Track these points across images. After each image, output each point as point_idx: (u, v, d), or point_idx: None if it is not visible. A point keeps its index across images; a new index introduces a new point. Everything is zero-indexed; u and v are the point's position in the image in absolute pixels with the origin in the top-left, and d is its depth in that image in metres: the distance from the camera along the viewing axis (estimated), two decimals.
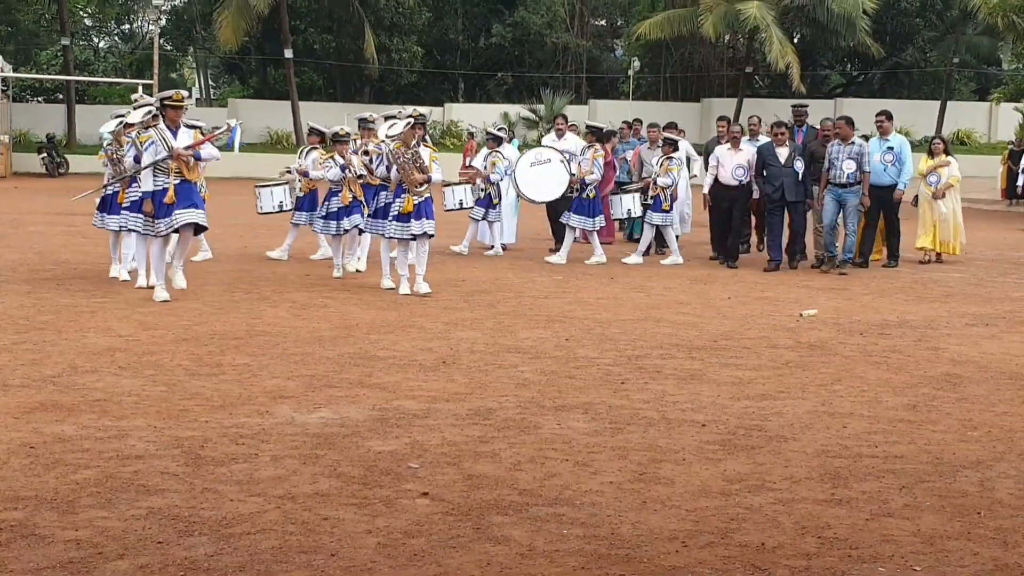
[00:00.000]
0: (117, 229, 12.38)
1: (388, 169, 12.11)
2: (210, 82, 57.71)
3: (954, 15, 44.54)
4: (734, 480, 5.87)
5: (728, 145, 15.35)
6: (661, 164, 15.34)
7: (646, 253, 15.51)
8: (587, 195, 15.03)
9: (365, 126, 14.15)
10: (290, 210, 14.73)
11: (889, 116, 15.48)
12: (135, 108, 12.66)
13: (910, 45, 47.24)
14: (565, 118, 17.63)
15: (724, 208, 15.27)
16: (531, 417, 7.03)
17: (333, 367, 8.37)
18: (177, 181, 11.18)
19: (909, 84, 48.66)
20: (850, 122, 14.86)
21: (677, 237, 16.47)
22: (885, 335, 10.26)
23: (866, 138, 15.53)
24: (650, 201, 15.26)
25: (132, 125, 12.02)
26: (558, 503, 5.45)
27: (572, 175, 15.15)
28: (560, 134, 16.45)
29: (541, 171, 15.27)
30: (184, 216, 11.17)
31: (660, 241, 15.85)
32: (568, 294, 12.39)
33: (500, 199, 15.92)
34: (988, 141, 42.51)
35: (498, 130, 16.59)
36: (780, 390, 7.96)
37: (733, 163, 15.06)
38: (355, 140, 13.99)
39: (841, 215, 14.65)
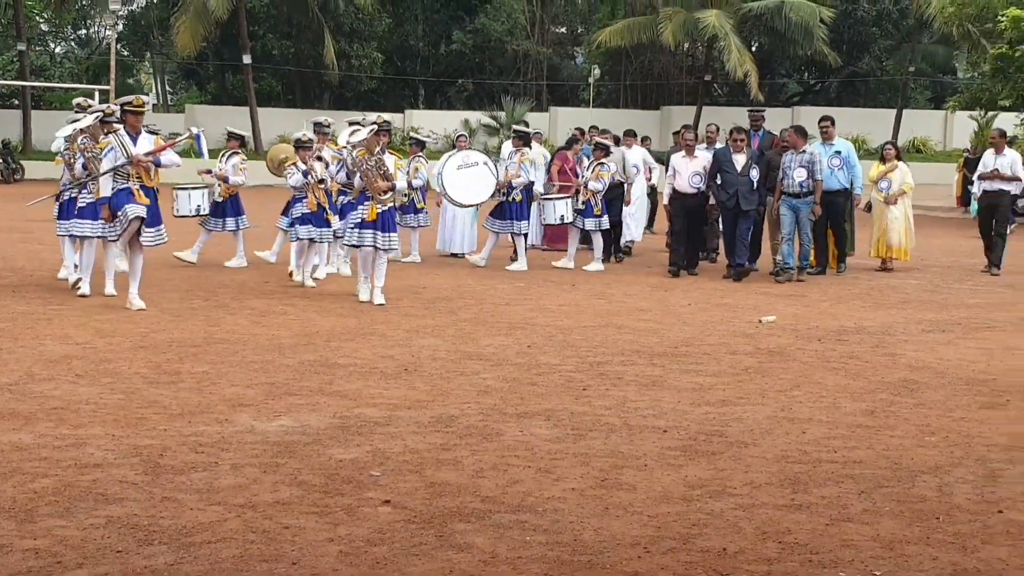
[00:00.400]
0: (78, 235, 12.10)
1: (349, 176, 12.05)
2: (167, 88, 57.41)
3: (910, 24, 45.08)
4: (695, 486, 5.89)
5: (683, 153, 15.25)
6: (592, 169, 15.35)
7: (605, 260, 15.58)
8: (513, 198, 15.12)
9: (321, 131, 14.09)
10: (206, 215, 14.61)
11: (832, 122, 15.85)
12: (88, 113, 12.55)
13: (866, 54, 47.74)
14: (526, 124, 17.60)
15: (683, 216, 15.11)
16: (493, 424, 7.03)
17: (293, 375, 8.33)
18: (137, 187, 11.10)
19: (866, 92, 49.14)
20: (800, 131, 14.92)
21: (631, 242, 16.80)
22: (843, 341, 10.34)
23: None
24: (582, 206, 15.21)
25: (83, 130, 11.96)
26: (521, 510, 5.45)
27: (498, 178, 15.10)
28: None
29: (468, 174, 15.11)
30: (134, 210, 11.03)
31: (586, 240, 15.82)
32: (529, 301, 12.40)
33: (424, 205, 16.04)
34: (943, 149, 43.00)
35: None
36: (740, 396, 8.00)
37: (689, 171, 14.96)
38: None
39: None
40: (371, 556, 4.82)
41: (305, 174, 13.00)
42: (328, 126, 14.27)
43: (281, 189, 14.41)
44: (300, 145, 13.29)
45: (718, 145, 15.94)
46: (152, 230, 11.22)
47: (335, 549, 4.88)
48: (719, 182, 14.70)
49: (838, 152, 15.33)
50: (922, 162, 38.81)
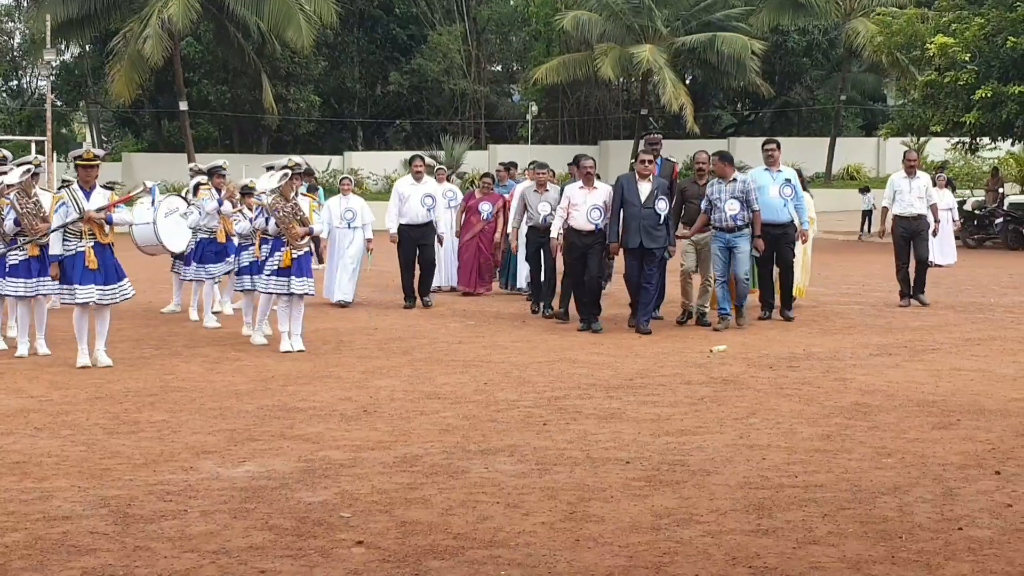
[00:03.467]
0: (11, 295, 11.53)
1: (267, 222, 11.75)
2: (102, 137, 56.97)
3: (840, 53, 45.99)
4: (662, 515, 5.98)
5: (580, 183, 13.06)
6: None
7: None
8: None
9: (219, 173, 13.93)
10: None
11: (778, 145, 13.99)
12: (11, 164, 12.32)
13: (798, 84, 48.65)
14: (423, 158, 16.72)
15: (577, 257, 12.93)
16: (458, 462, 7.09)
17: (253, 420, 8.33)
18: (91, 243, 10.58)
19: (799, 122, 49.97)
20: (727, 158, 13.24)
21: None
22: (794, 368, 10.51)
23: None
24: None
25: (11, 186, 11.51)
26: (493, 545, 5.50)
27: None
28: (418, 177, 15.58)
29: (173, 220, 14.19)
30: (84, 294, 10.53)
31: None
32: (482, 338, 12.47)
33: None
34: (877, 175, 43.70)
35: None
36: (698, 425, 8.12)
37: (588, 204, 12.79)
38: (209, 189, 13.82)
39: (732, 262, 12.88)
40: None
41: (251, 222, 12.48)
42: (225, 169, 14.21)
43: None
44: (245, 191, 13.05)
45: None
46: (112, 287, 10.67)
47: None
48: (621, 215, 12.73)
49: (788, 180, 13.61)
50: (856, 189, 39.49)
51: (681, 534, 5.67)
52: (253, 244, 12.55)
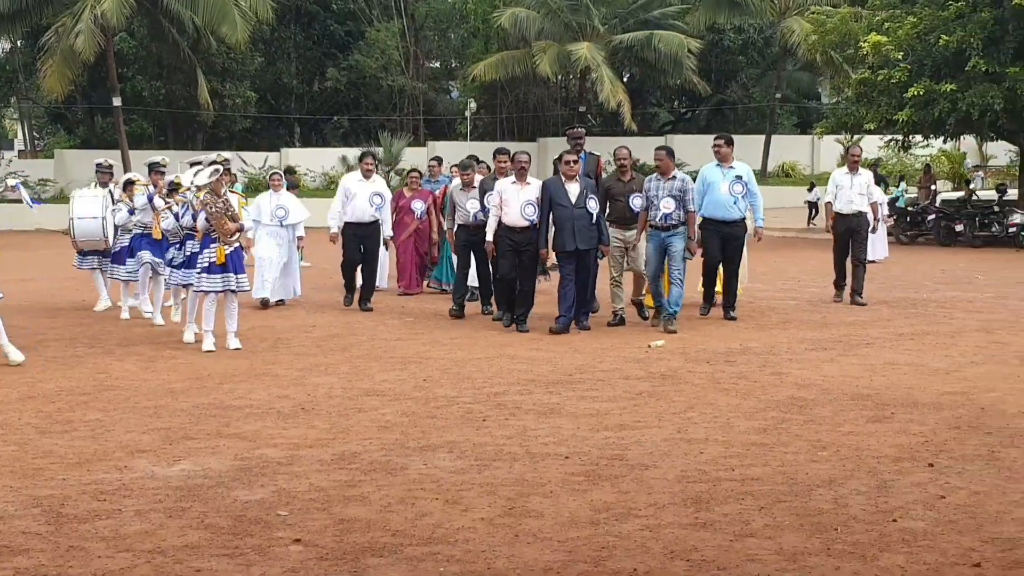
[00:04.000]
0: None
1: (194, 218, 11.60)
2: (34, 133, 56.11)
3: (775, 52, 46.40)
4: (601, 509, 6.00)
5: (513, 178, 12.78)
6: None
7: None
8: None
9: (157, 170, 13.79)
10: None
11: (729, 141, 13.61)
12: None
13: (734, 82, 49.00)
14: (374, 155, 16.16)
15: (509, 254, 12.63)
16: (397, 459, 7.06)
17: (188, 419, 8.24)
18: None
19: (735, 119, 50.34)
20: (671, 153, 12.89)
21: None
22: (731, 362, 10.59)
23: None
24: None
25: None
26: (432, 542, 5.48)
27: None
28: (367, 175, 15.04)
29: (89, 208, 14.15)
30: None
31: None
32: (421, 335, 12.43)
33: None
34: (812, 172, 44.14)
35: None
36: (637, 420, 8.15)
37: (521, 199, 12.48)
38: (146, 185, 13.66)
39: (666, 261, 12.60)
40: None
41: (177, 217, 12.22)
42: (164, 166, 14.02)
43: None
44: (172, 188, 12.76)
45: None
46: None
47: None
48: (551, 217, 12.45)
49: (739, 177, 13.24)
50: (791, 186, 39.91)
51: (620, 528, 5.69)
52: (179, 241, 12.31)
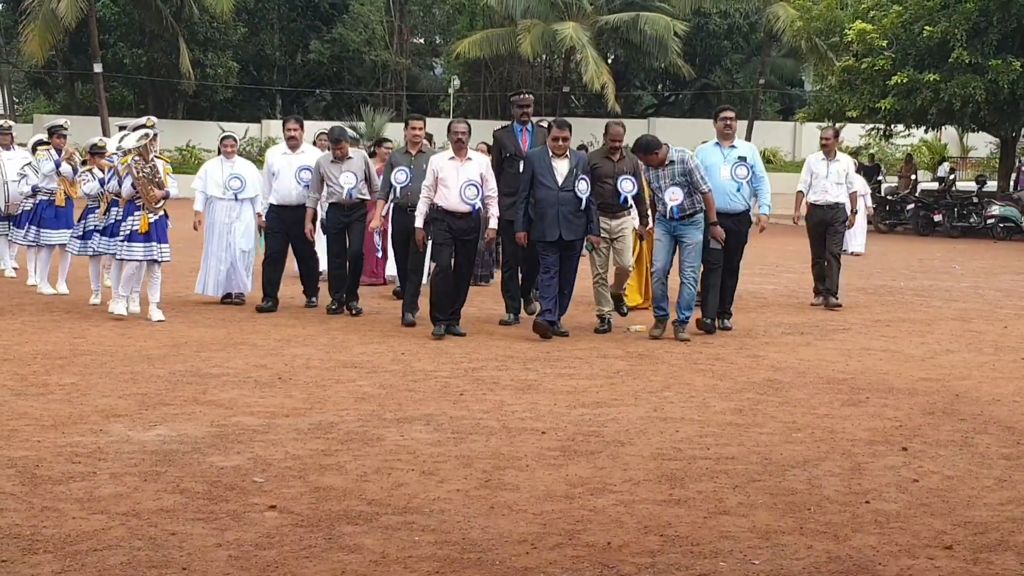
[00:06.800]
0: None
1: (119, 183, 11.27)
2: (13, 98, 55.65)
3: (760, 38, 46.36)
4: (576, 484, 6.02)
5: (451, 154, 10.74)
6: None
7: None
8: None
9: (59, 134, 13.52)
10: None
11: (736, 115, 11.75)
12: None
13: (718, 67, 48.92)
14: (297, 119, 13.81)
15: (447, 245, 10.64)
16: (373, 430, 7.06)
17: (165, 385, 8.22)
18: None
19: (718, 104, 50.19)
20: (651, 147, 10.68)
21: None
22: (708, 344, 10.62)
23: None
24: None
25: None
26: (407, 511, 5.49)
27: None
28: (293, 145, 12.89)
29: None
30: None
31: None
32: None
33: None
34: (793, 159, 44.21)
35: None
36: (614, 397, 8.17)
37: (461, 179, 10.54)
38: (48, 149, 13.37)
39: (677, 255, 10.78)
40: (261, 560, 4.81)
41: (101, 183, 11.85)
42: (66, 129, 13.69)
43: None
44: (95, 151, 12.61)
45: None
46: None
47: (224, 554, 4.86)
48: (531, 199, 10.65)
49: (742, 158, 11.23)
50: (773, 172, 39.81)
51: (594, 503, 5.71)
52: (98, 207, 11.98)
